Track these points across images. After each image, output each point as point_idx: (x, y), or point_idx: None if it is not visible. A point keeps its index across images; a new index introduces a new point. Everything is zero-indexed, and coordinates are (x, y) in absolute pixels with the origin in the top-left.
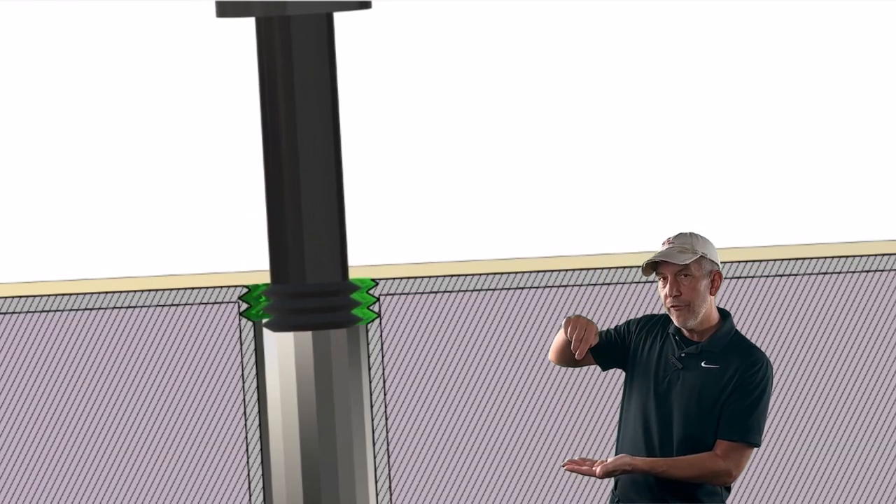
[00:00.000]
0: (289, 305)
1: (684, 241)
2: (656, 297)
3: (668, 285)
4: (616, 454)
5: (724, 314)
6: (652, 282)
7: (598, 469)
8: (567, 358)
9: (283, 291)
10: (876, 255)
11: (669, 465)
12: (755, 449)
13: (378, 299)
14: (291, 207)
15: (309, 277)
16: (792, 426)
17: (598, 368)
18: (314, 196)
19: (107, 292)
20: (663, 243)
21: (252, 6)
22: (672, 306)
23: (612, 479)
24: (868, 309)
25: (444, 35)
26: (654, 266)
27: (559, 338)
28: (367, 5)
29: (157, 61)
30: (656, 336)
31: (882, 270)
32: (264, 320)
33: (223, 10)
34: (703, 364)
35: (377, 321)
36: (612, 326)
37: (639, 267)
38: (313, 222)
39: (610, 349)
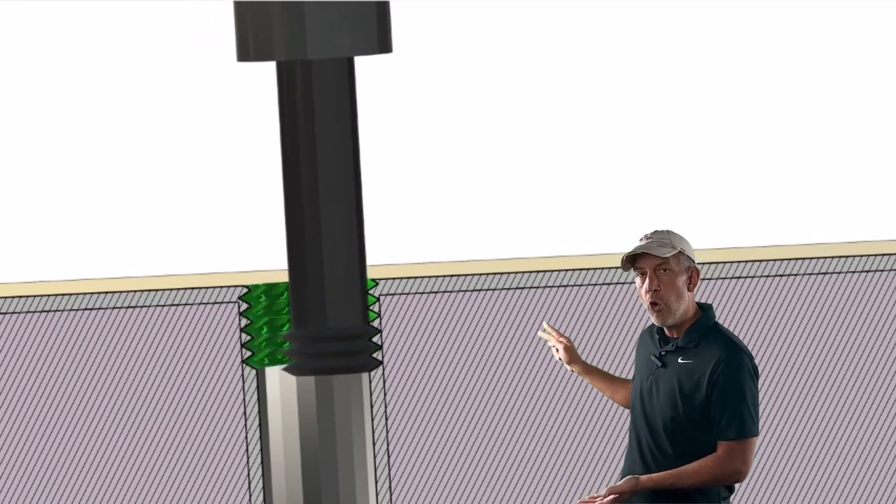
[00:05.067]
0: (310, 350)
1: (662, 237)
2: None
3: (647, 280)
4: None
5: (705, 308)
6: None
7: (606, 499)
8: (615, 395)
9: (304, 336)
10: (876, 255)
11: (676, 477)
12: (756, 438)
13: (378, 299)
14: (313, 251)
15: (330, 322)
16: (792, 426)
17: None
18: (335, 239)
19: (107, 292)
20: (640, 239)
21: (273, 50)
22: (651, 303)
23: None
24: (868, 309)
25: (451, 52)
26: (632, 262)
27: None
28: (388, 49)
29: (169, 78)
30: (645, 343)
31: (882, 270)
32: (283, 366)
33: (244, 54)
34: (679, 360)
35: (377, 321)
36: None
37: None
38: (334, 266)
39: None
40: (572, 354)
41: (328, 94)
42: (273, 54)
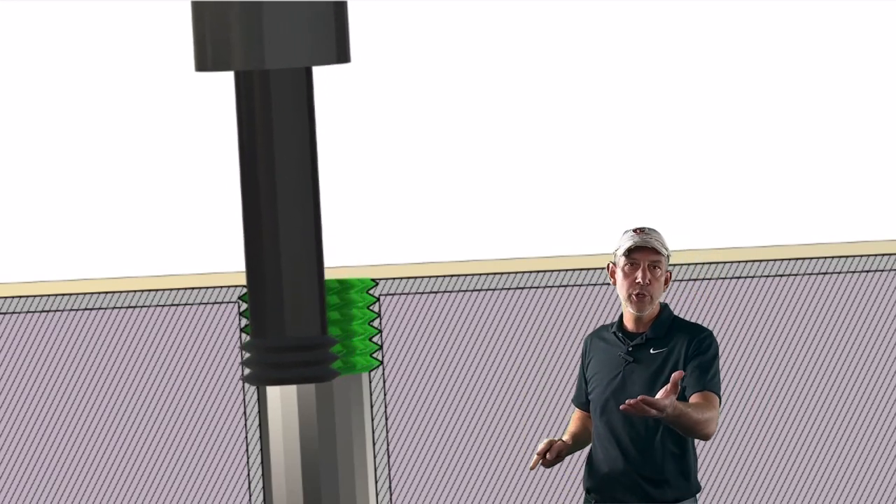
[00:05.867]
0: (267, 360)
1: (658, 237)
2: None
3: (640, 271)
4: (587, 470)
5: (662, 305)
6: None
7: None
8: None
9: (262, 346)
10: (876, 255)
11: (690, 407)
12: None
13: (378, 299)
14: (270, 261)
15: (288, 331)
16: (792, 426)
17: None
18: (293, 250)
19: (107, 292)
20: (636, 231)
21: (231, 60)
22: (637, 293)
23: (583, 479)
24: (868, 309)
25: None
26: (628, 251)
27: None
28: (346, 59)
29: (168, 84)
30: (599, 346)
31: (882, 270)
32: (246, 373)
33: (202, 64)
34: (651, 351)
35: (377, 321)
36: (578, 373)
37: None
38: (292, 275)
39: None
40: (562, 447)
41: (286, 103)
42: (231, 64)
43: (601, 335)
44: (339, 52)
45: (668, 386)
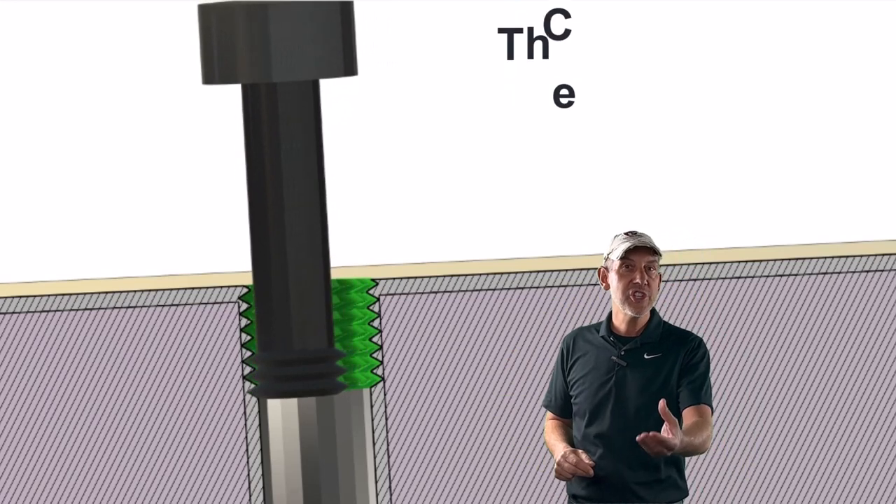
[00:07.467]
0: (274, 373)
1: (650, 238)
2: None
3: (637, 272)
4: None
5: (652, 310)
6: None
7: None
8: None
9: (270, 359)
10: (876, 255)
11: (690, 435)
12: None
13: (378, 299)
14: (277, 274)
15: (295, 344)
16: (792, 426)
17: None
18: (301, 263)
19: (107, 292)
20: (628, 234)
21: (238, 73)
22: (637, 293)
23: (567, 486)
24: (868, 309)
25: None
26: (624, 254)
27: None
28: (354, 72)
29: (171, 87)
30: (584, 348)
31: (882, 270)
32: (251, 387)
33: (209, 77)
34: (645, 356)
35: (377, 321)
36: (552, 375)
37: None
38: (299, 288)
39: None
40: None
41: (293, 115)
42: (238, 77)
43: (584, 336)
44: (347, 65)
45: (669, 424)
